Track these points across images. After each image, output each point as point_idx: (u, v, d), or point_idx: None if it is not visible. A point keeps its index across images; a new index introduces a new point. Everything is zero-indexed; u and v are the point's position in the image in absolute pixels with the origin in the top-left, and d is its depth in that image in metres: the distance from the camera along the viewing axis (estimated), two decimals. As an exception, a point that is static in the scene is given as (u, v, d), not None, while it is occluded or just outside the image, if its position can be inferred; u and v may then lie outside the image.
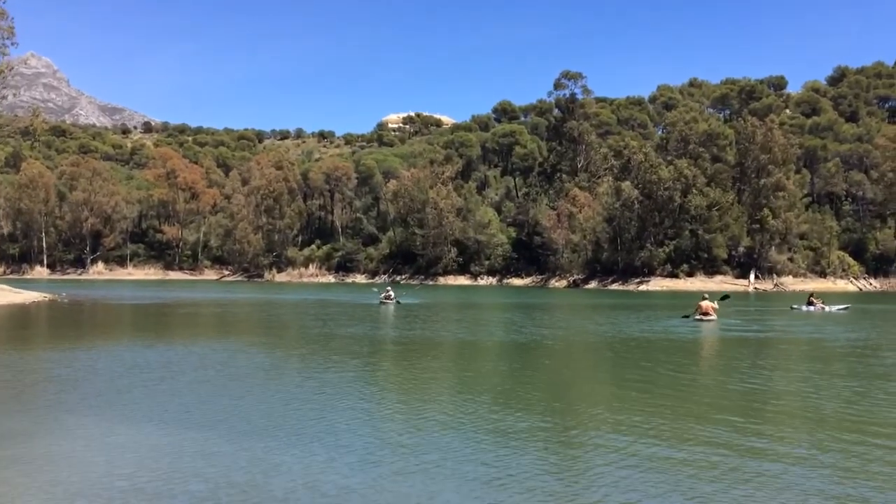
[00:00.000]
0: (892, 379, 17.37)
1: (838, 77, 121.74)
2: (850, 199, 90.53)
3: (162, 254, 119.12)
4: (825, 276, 77.95)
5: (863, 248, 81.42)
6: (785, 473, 9.52)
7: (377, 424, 12.28)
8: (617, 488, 8.88)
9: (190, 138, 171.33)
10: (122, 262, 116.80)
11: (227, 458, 10.21)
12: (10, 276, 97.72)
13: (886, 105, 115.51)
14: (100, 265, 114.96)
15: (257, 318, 38.31)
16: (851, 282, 77.42)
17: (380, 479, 9.33)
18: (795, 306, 42.60)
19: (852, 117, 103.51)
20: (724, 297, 36.44)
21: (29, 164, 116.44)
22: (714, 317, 33.24)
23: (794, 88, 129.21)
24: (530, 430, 11.61)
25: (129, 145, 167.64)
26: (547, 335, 28.40)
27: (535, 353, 22.74)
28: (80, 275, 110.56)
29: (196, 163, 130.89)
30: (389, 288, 50.97)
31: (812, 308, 40.79)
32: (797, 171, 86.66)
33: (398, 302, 46.39)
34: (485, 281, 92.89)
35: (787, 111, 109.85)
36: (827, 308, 40.67)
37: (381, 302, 46.35)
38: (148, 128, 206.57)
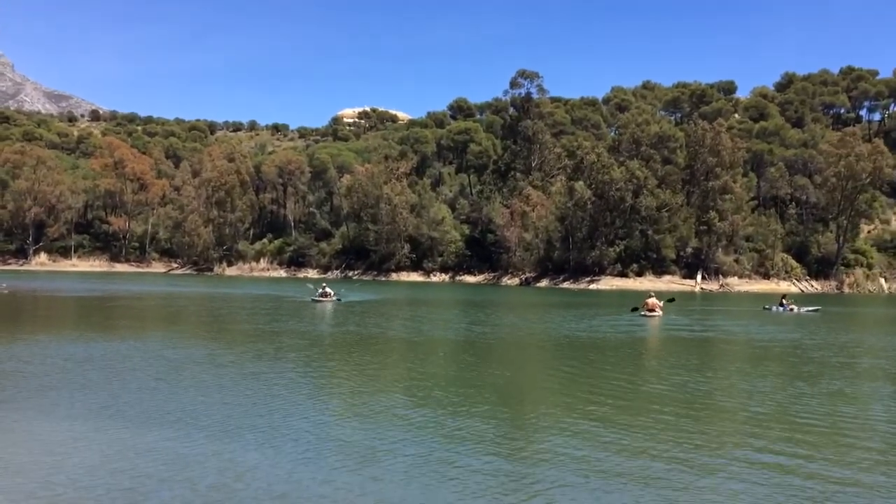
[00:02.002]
0: (821, 379, 17.82)
1: (785, 83, 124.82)
2: (794, 203, 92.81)
3: (108, 245, 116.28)
4: (769, 278, 79.87)
5: (805, 250, 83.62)
6: (724, 472, 9.69)
7: (327, 424, 12.15)
8: (565, 492, 8.90)
9: (139, 128, 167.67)
10: (66, 253, 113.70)
11: (188, 459, 9.91)
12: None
13: (831, 112, 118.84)
14: (43, 256, 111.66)
15: (199, 312, 37.66)
16: (794, 283, 79.43)
17: (337, 484, 9.19)
18: (768, 307, 43.75)
19: (798, 123, 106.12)
20: (671, 299, 37.47)
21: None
22: (659, 313, 36.10)
23: (743, 93, 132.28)
24: (483, 434, 11.44)
25: (76, 134, 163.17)
26: (494, 333, 28.48)
27: (479, 353, 22.78)
28: (21, 265, 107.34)
29: (145, 153, 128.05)
30: (326, 284, 46.41)
31: (783, 309, 41.77)
32: (744, 175, 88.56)
33: (339, 300, 42.91)
34: (437, 278, 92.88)
35: (736, 115, 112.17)
36: (797, 309, 41.68)
37: (314, 300, 42.58)
38: (96, 116, 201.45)
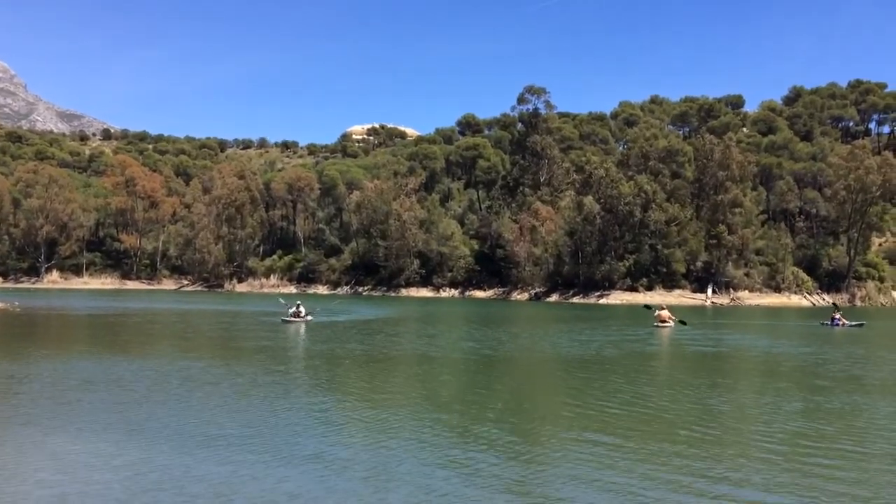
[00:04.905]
0: (834, 393, 17.75)
1: (794, 97, 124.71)
2: (804, 217, 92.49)
3: (119, 263, 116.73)
4: (780, 292, 79.45)
5: (816, 264, 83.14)
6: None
7: (361, 449, 12.22)
8: None
9: (150, 146, 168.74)
10: (77, 270, 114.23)
11: (185, 472, 10.01)
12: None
13: (840, 125, 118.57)
14: (55, 274, 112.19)
15: (208, 329, 37.78)
16: (805, 297, 78.99)
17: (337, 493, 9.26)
18: (824, 322, 43.57)
19: (807, 136, 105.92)
20: (683, 322, 39.22)
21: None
22: (670, 324, 38.35)
23: (751, 107, 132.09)
24: (491, 457, 11.41)
25: (88, 152, 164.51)
26: (505, 350, 28.44)
27: (492, 370, 22.77)
28: (33, 283, 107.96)
29: (156, 171, 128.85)
30: (300, 302, 42.05)
31: (830, 323, 42.00)
32: (754, 188, 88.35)
33: (309, 317, 39.55)
34: (447, 293, 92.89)
35: (745, 129, 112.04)
36: (842, 324, 41.65)
37: (284, 320, 38.84)
38: (107, 135, 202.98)
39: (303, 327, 36.38)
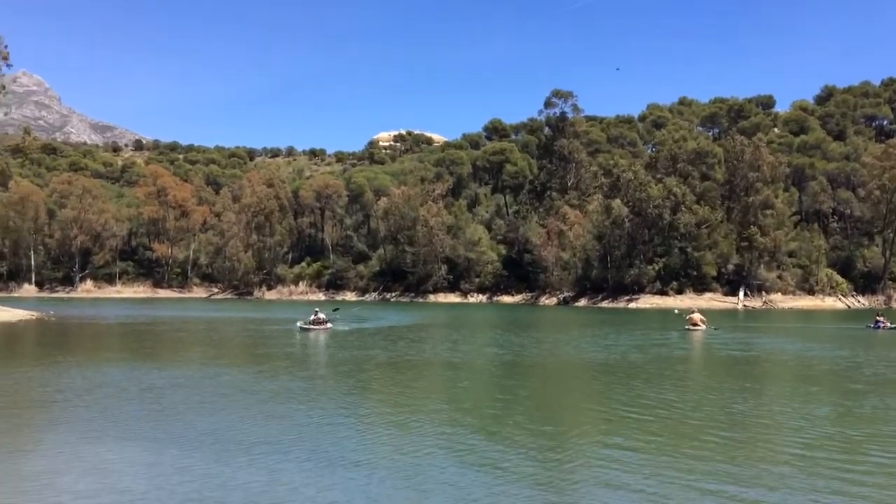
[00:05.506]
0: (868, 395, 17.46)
1: (826, 96, 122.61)
2: (837, 217, 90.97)
3: (151, 271, 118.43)
4: (814, 294, 78.15)
5: (851, 265, 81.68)
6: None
7: (367, 448, 12.27)
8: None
9: (181, 156, 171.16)
10: (110, 280, 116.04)
11: (227, 480, 10.15)
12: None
13: (874, 124, 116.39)
14: (88, 283, 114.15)
15: (237, 336, 38.11)
16: (840, 299, 77.60)
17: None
18: (870, 325, 43.08)
19: (840, 136, 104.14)
20: (716, 328, 39.99)
21: (18, 183, 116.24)
22: (702, 327, 38.92)
23: (782, 107, 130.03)
24: (516, 474, 11.20)
25: (120, 163, 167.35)
26: (537, 355, 28.34)
27: (521, 375, 22.71)
28: (68, 293, 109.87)
29: (187, 181, 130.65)
30: (318, 309, 40.71)
31: (873, 326, 41.69)
32: (785, 189, 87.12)
33: (331, 324, 38.64)
34: (475, 298, 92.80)
35: (776, 130, 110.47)
36: (887, 326, 41.35)
37: (302, 328, 37.65)
38: (139, 146, 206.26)
39: (322, 335, 35.88)
